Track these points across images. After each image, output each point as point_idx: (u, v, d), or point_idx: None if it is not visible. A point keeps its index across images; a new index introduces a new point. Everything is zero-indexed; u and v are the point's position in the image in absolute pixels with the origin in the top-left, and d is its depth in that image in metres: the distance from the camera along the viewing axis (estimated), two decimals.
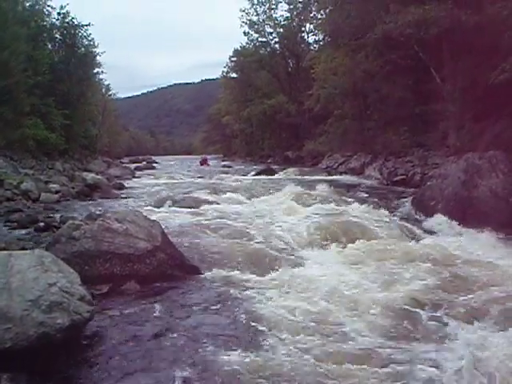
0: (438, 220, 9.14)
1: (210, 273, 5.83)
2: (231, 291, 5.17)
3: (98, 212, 9.08)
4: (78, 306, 3.76)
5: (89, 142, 41.40)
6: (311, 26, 43.88)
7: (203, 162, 41.59)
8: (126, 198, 14.45)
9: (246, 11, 47.44)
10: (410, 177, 16.71)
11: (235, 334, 4.11)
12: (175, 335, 4.07)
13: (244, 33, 48.99)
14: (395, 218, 9.57)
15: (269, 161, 40.10)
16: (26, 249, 5.40)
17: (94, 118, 46.44)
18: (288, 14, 46.70)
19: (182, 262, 5.85)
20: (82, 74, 35.73)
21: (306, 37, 47.14)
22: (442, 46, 17.32)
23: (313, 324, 4.32)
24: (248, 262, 6.29)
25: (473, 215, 8.85)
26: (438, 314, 4.63)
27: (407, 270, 5.90)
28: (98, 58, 39.43)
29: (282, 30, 47.39)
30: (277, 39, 48.52)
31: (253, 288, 5.28)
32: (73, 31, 35.20)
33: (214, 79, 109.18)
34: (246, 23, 48.02)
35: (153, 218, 6.70)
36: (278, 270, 6.02)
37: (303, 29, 46.65)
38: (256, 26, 48.32)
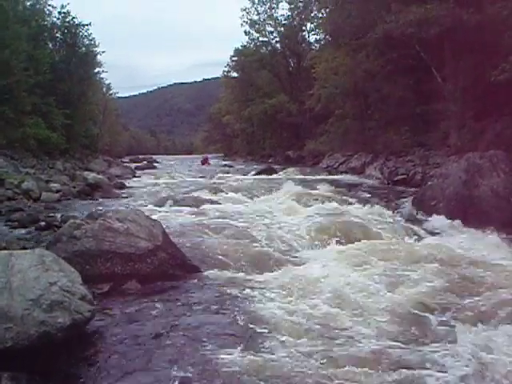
0: (439, 220, 9.13)
1: (210, 272, 5.82)
2: (232, 291, 5.16)
3: (98, 211, 9.05)
4: (79, 306, 3.76)
5: (90, 142, 41.42)
6: (312, 26, 44.03)
7: (204, 162, 41.60)
8: (126, 197, 14.45)
9: (247, 10, 47.53)
10: (410, 176, 16.70)
11: (236, 334, 4.10)
12: (176, 334, 4.07)
13: (245, 32, 49.04)
14: (396, 217, 9.55)
15: (270, 160, 40.09)
16: (27, 248, 5.40)
17: (95, 118, 46.51)
18: (289, 14, 46.79)
19: (183, 261, 5.85)
20: (83, 74, 35.76)
21: (306, 36, 47.24)
22: (443, 45, 17.32)
23: (315, 326, 4.27)
24: (249, 262, 6.28)
25: (474, 215, 8.85)
26: (446, 317, 4.54)
27: (412, 271, 5.80)
28: (98, 57, 39.53)
29: (282, 29, 47.40)
30: (278, 38, 48.53)
31: (254, 288, 5.26)
32: (73, 30, 35.23)
33: (214, 78, 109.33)
34: (247, 22, 48.09)
35: (154, 217, 6.71)
36: (279, 270, 6.01)
37: (304, 28, 46.68)
38: (257, 26, 48.32)
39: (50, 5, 34.18)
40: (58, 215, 9.62)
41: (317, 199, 11.33)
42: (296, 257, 6.82)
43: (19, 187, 12.87)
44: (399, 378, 3.44)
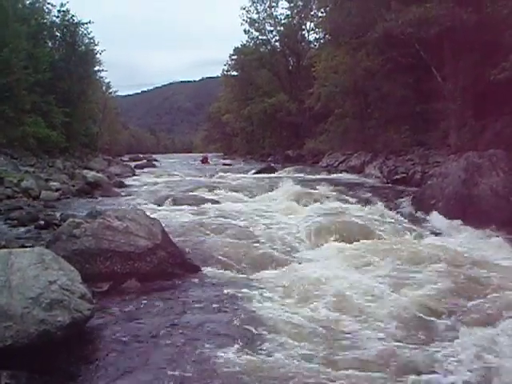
0: (439, 219, 9.13)
1: (210, 271, 5.83)
2: (232, 290, 5.16)
3: (98, 210, 9.07)
4: (79, 304, 3.76)
5: (89, 140, 41.41)
6: (312, 24, 43.90)
7: (204, 161, 41.58)
8: (126, 196, 14.45)
9: (247, 9, 47.46)
10: (410, 175, 16.68)
11: (235, 334, 4.09)
12: (175, 333, 4.07)
13: (244, 31, 48.99)
14: (396, 217, 9.53)
15: (269, 159, 40.00)
16: (27, 247, 5.40)
17: (95, 116, 46.48)
18: (288, 12, 46.71)
19: (183, 260, 5.85)
20: (83, 72, 35.74)
21: (306, 35, 47.17)
22: (442, 44, 17.31)
23: (316, 328, 4.23)
24: (249, 262, 6.28)
25: (473, 214, 8.85)
26: (451, 320, 4.45)
27: (415, 272, 5.73)
28: (98, 55, 39.51)
29: (282, 28, 47.37)
30: (277, 37, 48.48)
31: (253, 288, 5.26)
32: (73, 29, 35.21)
33: (214, 77, 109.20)
34: (247, 21, 48.03)
35: (153, 216, 6.71)
36: (279, 270, 5.98)
37: (304, 27, 46.64)
38: (256, 24, 48.29)
39: (49, 3, 34.22)
40: (58, 214, 9.61)
41: (316, 198, 11.32)
42: (296, 256, 6.81)
43: (19, 186, 12.87)
44: (403, 382, 3.39)
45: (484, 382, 3.36)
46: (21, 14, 28.57)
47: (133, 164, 36.85)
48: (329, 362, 3.63)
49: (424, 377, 3.44)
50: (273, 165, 29.00)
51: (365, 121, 26.09)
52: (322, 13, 32.59)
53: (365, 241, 7.29)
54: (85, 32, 36.42)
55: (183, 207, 10.42)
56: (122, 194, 15.01)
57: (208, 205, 10.72)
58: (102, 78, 51.22)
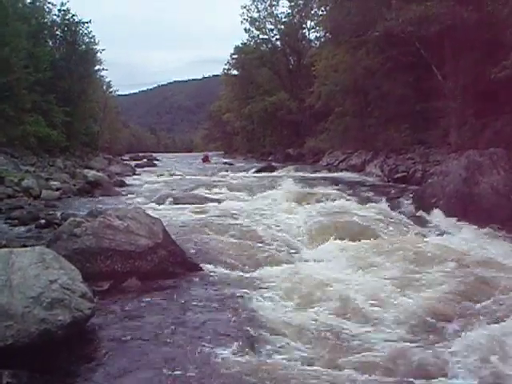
0: (440, 217, 9.12)
1: (211, 270, 5.82)
2: (232, 290, 5.16)
3: (98, 209, 9.08)
4: (80, 303, 3.76)
5: (90, 139, 41.42)
6: (312, 23, 43.91)
7: (205, 159, 41.60)
8: (126, 195, 14.46)
9: (247, 8, 47.44)
10: (410, 174, 16.69)
11: (236, 333, 4.08)
12: (176, 333, 4.07)
13: (245, 30, 48.97)
14: (397, 215, 9.51)
15: (270, 158, 40.04)
16: (27, 246, 5.39)
17: (95, 115, 46.48)
18: (289, 11, 46.70)
19: (183, 259, 5.85)
20: (83, 71, 35.73)
21: (307, 34, 47.13)
22: (443, 43, 17.30)
23: (318, 329, 4.17)
24: (249, 261, 6.28)
25: (474, 212, 8.84)
26: (458, 323, 4.31)
27: (420, 272, 5.62)
28: (98, 55, 39.52)
29: (282, 26, 47.36)
30: (278, 36, 48.48)
31: (254, 287, 5.25)
32: (73, 28, 35.21)
33: (215, 76, 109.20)
34: (247, 20, 48.02)
35: (154, 215, 6.70)
36: (280, 269, 5.94)
37: (304, 26, 46.59)
38: (257, 23, 48.28)
39: (49, 2, 34.19)
40: (58, 213, 9.62)
41: (317, 197, 11.30)
42: (297, 256, 6.79)
43: (19, 185, 12.88)
44: None
45: None
46: (21, 12, 28.54)
47: (133, 163, 36.88)
48: (331, 365, 3.59)
49: (432, 381, 3.36)
50: (273, 163, 29.06)
51: (365, 119, 26.07)
52: (322, 11, 32.64)
53: (367, 240, 7.25)
54: (85, 31, 36.48)
55: (184, 206, 10.42)
56: (123, 193, 15.02)
57: (209, 204, 10.73)
58: (102, 77, 51.36)
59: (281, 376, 3.39)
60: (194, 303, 4.77)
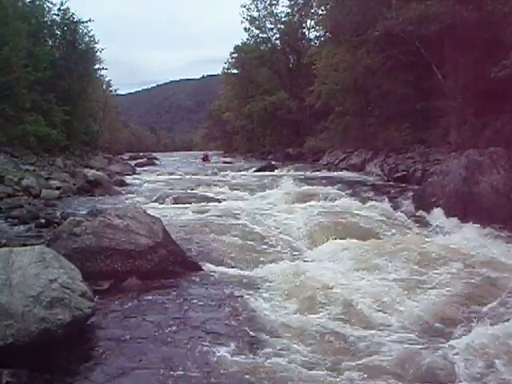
0: (440, 217, 9.11)
1: (211, 270, 5.82)
2: (232, 289, 5.16)
3: (98, 208, 9.08)
4: (80, 302, 3.77)
5: (90, 139, 41.34)
6: (312, 22, 43.84)
7: (205, 159, 41.58)
8: (126, 194, 14.45)
9: (247, 7, 47.42)
10: (411, 173, 16.68)
11: (236, 334, 4.09)
12: (176, 332, 4.08)
13: (245, 29, 48.97)
14: (398, 215, 9.48)
15: (270, 157, 40.00)
16: (27, 245, 5.39)
17: (95, 115, 46.43)
18: (289, 10, 46.70)
19: (183, 258, 5.85)
20: (83, 71, 35.67)
21: (306, 33, 47.11)
22: (443, 42, 17.31)
23: (318, 330, 4.11)
24: (250, 260, 6.27)
25: (474, 211, 8.84)
26: (465, 327, 4.19)
27: (424, 273, 5.55)
28: (98, 54, 39.45)
29: (282, 26, 47.34)
30: (277, 35, 48.47)
31: (255, 287, 5.25)
32: (73, 27, 35.13)
33: (215, 75, 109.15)
34: (247, 19, 47.99)
35: (154, 214, 6.70)
36: (279, 269, 5.88)
37: (304, 25, 46.58)
38: (257, 22, 48.27)
39: (49, 1, 34.12)
40: (58, 212, 9.62)
41: (318, 197, 11.28)
42: (298, 256, 6.76)
43: (19, 184, 12.87)
44: None
45: None
46: (21, 12, 28.48)
47: (133, 162, 36.87)
48: (334, 369, 3.53)
49: None
50: (273, 163, 29.04)
51: (365, 118, 26.08)
52: (322, 11, 32.62)
53: (368, 240, 7.19)
54: (85, 30, 36.42)
55: (184, 205, 10.41)
56: (123, 192, 15.01)
57: (209, 203, 10.71)
58: (102, 76, 51.18)
59: (280, 378, 3.37)
60: (194, 303, 4.77)
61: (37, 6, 33.00)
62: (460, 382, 3.37)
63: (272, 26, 48.08)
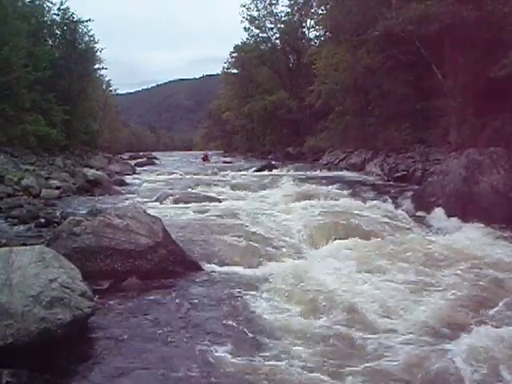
0: (440, 216, 9.11)
1: (211, 270, 5.82)
2: (232, 289, 5.16)
3: (98, 208, 9.07)
4: (79, 302, 3.76)
5: (89, 138, 41.34)
6: (312, 22, 43.77)
7: (205, 158, 41.56)
8: (126, 194, 14.45)
9: (247, 7, 47.36)
10: (410, 173, 16.68)
11: (236, 334, 4.08)
12: (175, 332, 4.08)
13: (245, 28, 48.91)
14: (398, 215, 9.47)
15: (270, 157, 40.01)
16: (27, 245, 5.39)
17: (95, 114, 46.41)
18: (289, 10, 46.62)
19: (183, 258, 5.85)
20: (83, 70, 35.66)
21: (306, 32, 47.03)
22: (443, 41, 17.29)
23: (320, 332, 4.06)
24: (250, 260, 6.27)
25: (474, 211, 8.84)
26: (473, 332, 3.98)
27: (428, 274, 5.48)
28: (98, 53, 39.45)
29: (282, 25, 47.28)
30: (277, 35, 48.40)
31: (255, 287, 5.23)
32: (73, 27, 35.13)
33: (215, 75, 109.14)
34: (247, 19, 47.91)
35: (154, 214, 6.70)
36: (280, 269, 5.87)
37: (304, 24, 46.50)
38: (257, 22, 48.19)
39: (49, 1, 34.11)
40: (58, 212, 9.61)
41: (318, 197, 11.29)
42: (298, 256, 6.75)
43: (19, 184, 12.87)
44: None
45: None
46: (21, 11, 28.48)
47: (133, 162, 36.87)
48: (336, 373, 3.46)
49: None
50: (273, 162, 29.02)
51: (365, 118, 26.06)
52: (322, 10, 32.55)
53: (369, 240, 7.21)
54: (85, 30, 36.42)
55: (184, 205, 10.41)
56: (123, 191, 15.01)
57: (209, 203, 10.71)
58: (102, 75, 51.17)
59: (280, 381, 3.34)
60: (194, 303, 4.76)
61: (36, 6, 33.00)
62: None
63: (272, 26, 48.08)
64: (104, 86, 58.68)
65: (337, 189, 13.34)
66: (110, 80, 61.92)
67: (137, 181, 19.74)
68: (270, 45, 49.29)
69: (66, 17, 34.70)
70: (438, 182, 10.27)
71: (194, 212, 9.46)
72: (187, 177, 20.61)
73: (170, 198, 11.50)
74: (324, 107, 30.65)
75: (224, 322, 4.30)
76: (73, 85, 33.37)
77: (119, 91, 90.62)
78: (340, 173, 21.25)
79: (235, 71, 55.80)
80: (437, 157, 16.32)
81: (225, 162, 37.68)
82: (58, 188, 13.72)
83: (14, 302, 3.45)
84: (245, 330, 4.14)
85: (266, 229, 7.92)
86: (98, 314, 4.18)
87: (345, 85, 26.43)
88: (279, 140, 46.12)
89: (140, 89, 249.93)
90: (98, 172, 18.21)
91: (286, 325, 4.24)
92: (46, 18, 33.88)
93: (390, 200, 10.93)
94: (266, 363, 3.55)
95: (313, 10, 42.08)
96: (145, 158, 44.95)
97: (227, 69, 58.34)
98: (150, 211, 6.76)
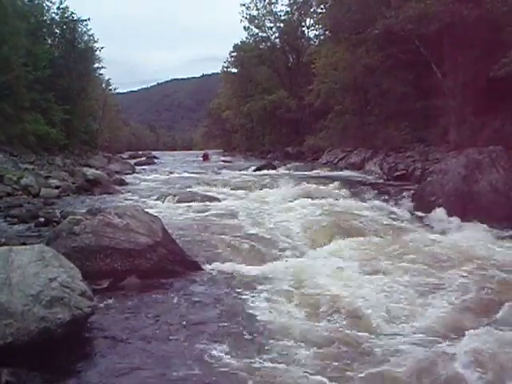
0: (439, 216, 9.12)
1: (210, 269, 5.81)
2: (232, 289, 5.16)
3: (98, 207, 9.07)
4: (79, 301, 3.76)
5: (89, 137, 41.35)
6: (311, 21, 43.76)
7: (205, 158, 41.54)
8: (126, 193, 14.43)
9: (246, 6, 47.31)
10: (410, 172, 16.68)
11: (235, 334, 4.08)
12: (175, 331, 4.08)
13: (244, 28, 48.89)
14: (398, 214, 9.48)
15: (269, 156, 40.00)
16: (27, 244, 5.40)
17: (95, 113, 46.46)
18: (288, 9, 46.56)
19: (183, 257, 5.85)
20: (82, 69, 35.68)
21: (306, 31, 46.99)
22: (442, 40, 17.28)
23: (321, 334, 4.02)
24: (249, 260, 6.26)
25: (473, 210, 8.85)
26: (478, 333, 3.84)
27: (433, 275, 5.44)
28: (97, 52, 39.46)
29: (282, 24, 47.23)
30: (277, 34, 48.33)
31: (254, 287, 5.22)
32: (72, 26, 35.14)
33: (214, 74, 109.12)
34: (246, 18, 47.88)
35: (153, 213, 6.69)
36: (280, 269, 5.84)
37: (303, 23, 46.46)
38: (256, 21, 48.14)
39: (48, 0, 34.11)
40: (58, 211, 9.61)
41: (317, 196, 11.29)
42: (299, 256, 6.73)
43: (18, 183, 12.87)
44: None
45: None
46: (20, 10, 28.47)
47: (133, 161, 36.85)
48: (336, 375, 3.39)
49: None
50: (272, 162, 29.00)
51: (364, 117, 26.04)
52: (321, 9, 32.48)
53: (369, 240, 7.22)
54: (84, 29, 36.45)
55: (183, 204, 10.42)
56: (122, 191, 15.00)
57: (208, 202, 10.72)
58: (101, 75, 51.15)
59: (280, 383, 3.32)
60: (194, 302, 4.77)
61: (36, 5, 33.02)
62: None
63: (271, 25, 48.02)
64: (104, 85, 58.66)
65: (336, 188, 13.33)
66: (109, 79, 61.97)
67: (136, 180, 19.72)
68: (269, 44, 49.25)
69: (66, 16, 34.73)
70: (438, 181, 10.27)
71: (193, 211, 9.47)
72: (187, 176, 20.60)
73: (170, 197, 11.51)
74: (323, 106, 30.64)
75: (223, 321, 4.30)
76: (72, 84, 33.38)
77: (119, 90, 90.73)
78: (339, 172, 21.22)
79: (235, 70, 55.80)
80: (436, 156, 16.32)
81: (225, 162, 37.67)
82: (57, 187, 13.72)
83: (13, 301, 3.45)
84: (244, 330, 4.13)
85: (265, 228, 7.93)
86: (97, 313, 4.18)
87: (344, 84, 26.42)
88: (278, 139, 46.12)
89: (140, 88, 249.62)
90: (97, 171, 18.18)
91: (286, 325, 4.21)
92: (45, 17, 33.90)
93: (389, 199, 10.94)
94: (265, 364, 3.54)
95: (312, 9, 42.07)
96: (144, 158, 44.93)
97: (227, 68, 58.44)
98: (149, 210, 6.76)
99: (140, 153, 58.02)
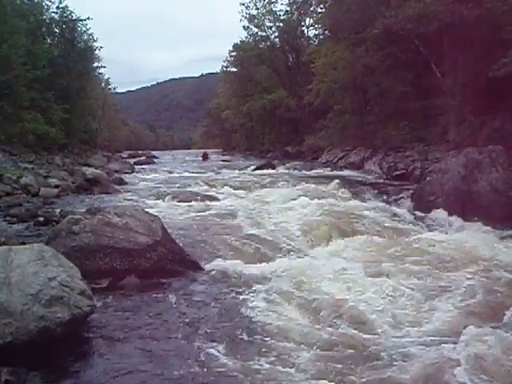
0: (439, 215, 9.12)
1: (210, 269, 5.80)
2: (231, 288, 5.15)
3: (97, 206, 9.06)
4: (79, 301, 3.76)
5: (88, 137, 41.29)
6: (311, 20, 43.79)
7: (205, 157, 41.52)
8: (125, 192, 14.41)
9: (246, 5, 47.27)
10: (409, 171, 16.68)
11: (235, 334, 4.07)
12: (174, 331, 4.08)
13: (244, 27, 48.85)
14: (398, 214, 9.46)
15: (268, 155, 39.99)
16: (26, 243, 5.38)
17: (94, 113, 46.38)
18: (288, 8, 46.53)
19: (182, 256, 5.84)
20: (82, 69, 35.63)
21: (305, 31, 46.98)
22: (442, 40, 17.29)
23: (321, 336, 4.01)
24: (249, 260, 6.25)
25: (472, 210, 8.85)
26: (482, 339, 3.69)
27: (437, 276, 5.42)
28: (97, 52, 39.39)
29: (281, 24, 47.19)
30: (276, 33, 48.30)
31: (254, 287, 5.21)
32: (72, 25, 35.09)
33: (214, 73, 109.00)
34: (246, 17, 47.85)
35: (153, 212, 6.69)
36: (280, 269, 5.79)
37: (303, 23, 46.46)
38: (256, 20, 48.09)
39: None
40: (57, 210, 9.59)
41: (317, 196, 11.28)
42: (298, 256, 6.72)
43: (18, 182, 12.85)
44: None
45: None
46: (19, 10, 28.43)
47: (132, 161, 36.85)
48: (338, 378, 3.35)
49: None
50: (272, 161, 28.99)
51: (364, 117, 26.04)
52: (321, 8, 32.53)
53: (369, 240, 7.21)
54: (84, 28, 36.38)
55: (183, 204, 10.41)
56: (122, 190, 14.98)
57: (208, 202, 10.71)
58: (101, 74, 51.07)
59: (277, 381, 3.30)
60: (193, 302, 4.76)
61: (35, 4, 32.96)
62: None
63: (271, 24, 47.97)
64: (103, 85, 58.58)
65: (336, 188, 13.32)
66: (108, 78, 61.87)
67: (136, 179, 19.69)
68: (268, 43, 49.21)
69: (65, 15, 34.66)
70: (437, 181, 10.27)
71: (193, 211, 9.46)
72: (186, 175, 20.60)
73: (169, 196, 11.51)
74: (323, 106, 30.65)
75: (223, 322, 4.30)
76: (72, 83, 33.33)
77: (119, 89, 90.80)
78: (339, 172, 21.22)
79: (234, 70, 55.75)
80: (436, 155, 16.33)
81: (224, 161, 37.66)
82: (56, 186, 13.70)
83: (13, 300, 3.45)
84: (244, 330, 4.12)
85: (264, 228, 7.93)
86: (96, 312, 4.18)
87: (344, 83, 26.43)
88: (278, 139, 46.11)
89: (139, 87, 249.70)
90: (96, 171, 18.15)
91: (286, 327, 4.19)
92: (44, 17, 33.84)
93: (389, 199, 10.94)
94: (264, 366, 3.53)
95: (312, 9, 42.13)
96: (144, 157, 44.94)
97: (226, 67, 58.41)
98: (148, 210, 6.76)
99: (139, 152, 58.04)
